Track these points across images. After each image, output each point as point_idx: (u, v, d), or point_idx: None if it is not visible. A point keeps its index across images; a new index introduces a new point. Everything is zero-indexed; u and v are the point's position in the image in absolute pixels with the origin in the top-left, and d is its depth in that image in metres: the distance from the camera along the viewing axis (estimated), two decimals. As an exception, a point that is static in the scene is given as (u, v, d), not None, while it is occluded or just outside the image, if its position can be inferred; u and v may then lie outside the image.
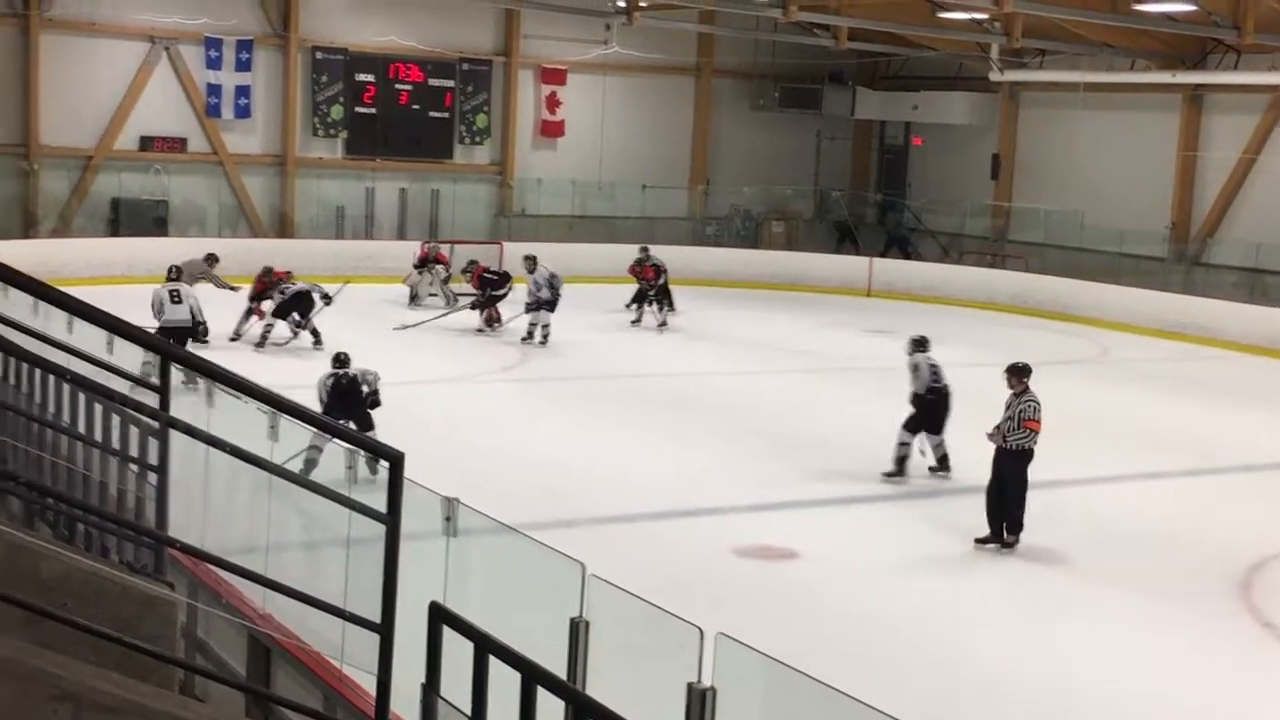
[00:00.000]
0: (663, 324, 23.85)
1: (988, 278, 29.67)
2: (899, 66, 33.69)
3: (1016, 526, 12.22)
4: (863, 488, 14.19)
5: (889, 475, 14.25)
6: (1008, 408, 12.36)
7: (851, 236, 33.71)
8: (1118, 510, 14.06)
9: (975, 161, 32.26)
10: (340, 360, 13.50)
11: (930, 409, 14.34)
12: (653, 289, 24.10)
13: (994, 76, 30.06)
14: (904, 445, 14.32)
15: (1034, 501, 12.44)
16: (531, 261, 21.99)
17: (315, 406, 12.85)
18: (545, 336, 21.46)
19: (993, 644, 10.24)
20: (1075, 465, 15.28)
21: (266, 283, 20.18)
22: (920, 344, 14.80)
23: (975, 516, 12.39)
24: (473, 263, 23.54)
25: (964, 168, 32.72)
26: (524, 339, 21.60)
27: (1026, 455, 12.27)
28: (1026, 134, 31.83)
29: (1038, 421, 12.24)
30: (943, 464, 14.45)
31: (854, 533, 12.99)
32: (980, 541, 12.19)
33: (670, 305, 24.50)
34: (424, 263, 25.35)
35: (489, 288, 22.52)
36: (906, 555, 12.22)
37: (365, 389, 13.30)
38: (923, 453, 14.39)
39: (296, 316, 19.92)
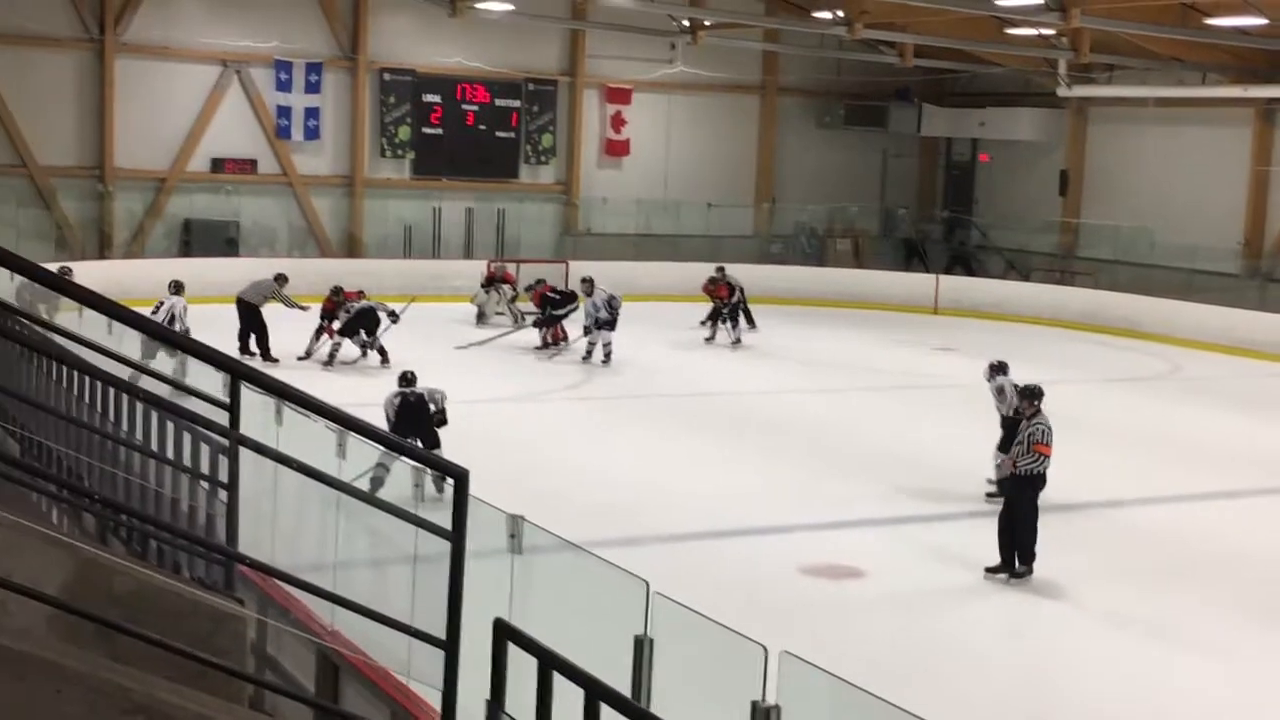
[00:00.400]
0: (736, 341, 23.87)
1: (1056, 295, 29.39)
2: (965, 83, 33.49)
3: (1028, 556, 11.75)
4: (932, 506, 14.10)
5: (991, 496, 13.99)
6: (1019, 432, 12.14)
7: (919, 254, 33.54)
8: (1190, 529, 13.87)
9: (1043, 178, 32.00)
10: (407, 379, 13.49)
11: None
12: (726, 307, 24.10)
13: (1062, 92, 29.82)
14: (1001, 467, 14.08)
15: (1104, 520, 12.32)
16: (589, 284, 22.03)
17: (382, 424, 12.96)
18: (607, 355, 21.49)
19: (1068, 667, 10.13)
20: (1146, 483, 15.11)
21: (336, 302, 20.38)
22: (1000, 368, 14.65)
23: (1048, 537, 12.24)
24: (539, 281, 23.66)
25: (1031, 184, 32.46)
26: (584, 358, 21.66)
27: (1038, 481, 11.89)
28: (1095, 150, 31.53)
29: (1048, 445, 11.85)
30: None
31: (922, 551, 12.89)
32: (990, 571, 11.78)
33: (750, 322, 24.84)
34: (490, 282, 25.52)
35: (550, 306, 22.61)
36: (977, 575, 12.09)
37: (432, 407, 13.30)
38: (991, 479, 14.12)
39: (364, 335, 20.09)
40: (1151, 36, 25.61)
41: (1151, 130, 29.34)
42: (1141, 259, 29.33)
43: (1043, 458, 11.88)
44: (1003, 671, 9.92)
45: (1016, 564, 11.79)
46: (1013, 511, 11.96)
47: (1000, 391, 14.39)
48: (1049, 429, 11.97)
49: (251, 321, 20.45)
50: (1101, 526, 13.76)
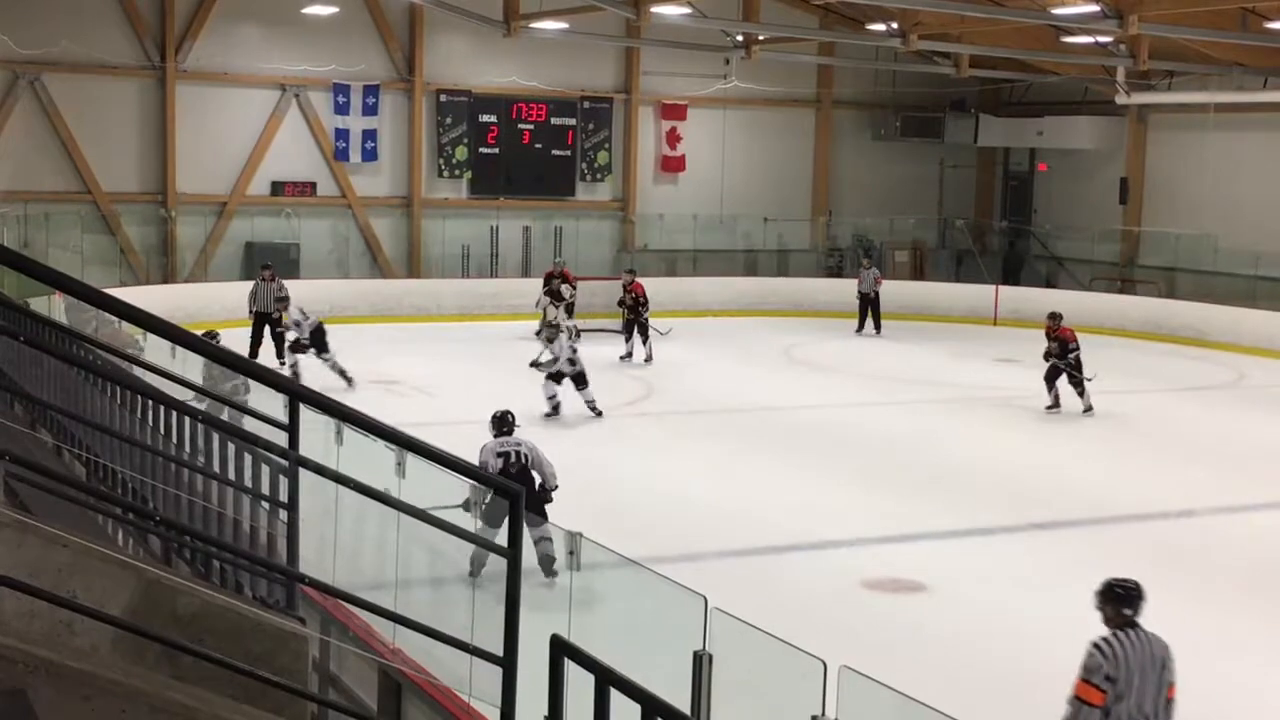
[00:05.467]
0: (648, 358, 23.32)
1: (1118, 304, 29.11)
2: (1022, 92, 33.29)
3: None
4: (994, 519, 13.97)
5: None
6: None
7: (978, 263, 33.37)
8: (1263, 539, 13.68)
9: (1102, 186, 31.71)
10: (505, 423, 11.82)
11: None
12: (644, 306, 23.59)
13: (1120, 99, 29.57)
14: None
15: (1172, 530, 12.16)
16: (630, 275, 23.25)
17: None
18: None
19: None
20: (1212, 492, 14.92)
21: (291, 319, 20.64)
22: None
23: (1118, 550, 12.12)
24: (630, 271, 24.48)
25: (1091, 193, 32.18)
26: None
27: None
28: (1155, 157, 31.21)
29: None
30: None
31: (984, 566, 12.78)
32: None
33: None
34: (549, 280, 25.65)
35: (642, 306, 23.22)
36: (1042, 590, 11.98)
37: (536, 479, 11.50)
38: None
39: (315, 353, 20.00)
40: (1211, 41, 25.33)
41: (1212, 136, 29.02)
42: (1204, 266, 29.00)
43: None
44: (1068, 686, 9.79)
45: None
46: None
47: None
48: None
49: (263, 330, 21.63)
50: (1173, 537, 13.60)
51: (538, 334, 25.86)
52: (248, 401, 8.85)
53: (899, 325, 28.37)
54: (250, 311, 22.14)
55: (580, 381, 18.50)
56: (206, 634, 4.54)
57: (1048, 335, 19.67)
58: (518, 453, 11.45)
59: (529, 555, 6.76)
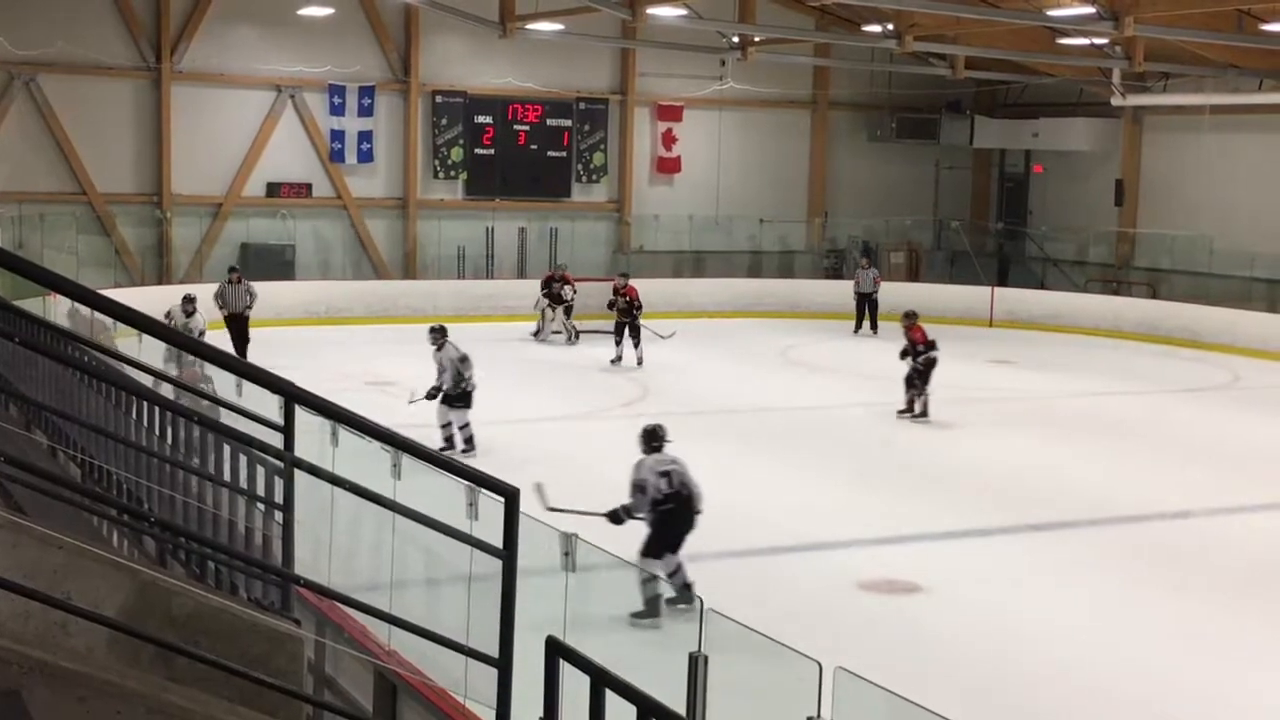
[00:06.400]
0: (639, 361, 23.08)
1: (1113, 305, 29.14)
2: (1018, 94, 33.30)
3: None
4: (991, 520, 13.97)
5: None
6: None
7: (974, 264, 33.38)
8: (1257, 540, 13.69)
9: (1098, 188, 31.72)
10: (657, 437, 10.87)
11: None
12: (637, 309, 23.32)
13: (1116, 101, 29.58)
14: None
15: (1168, 532, 12.17)
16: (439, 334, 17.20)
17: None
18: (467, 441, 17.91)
19: (1134, 679, 10.01)
20: (1209, 493, 14.93)
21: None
22: None
23: (1115, 550, 12.14)
24: (623, 275, 24.38)
25: (1086, 194, 32.20)
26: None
27: None
28: (1151, 158, 31.25)
29: None
30: None
31: (980, 567, 12.78)
32: None
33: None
34: (548, 283, 25.66)
35: (636, 310, 23.12)
36: (1039, 591, 11.99)
37: (693, 500, 10.73)
38: None
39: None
40: (1206, 43, 25.35)
41: (1208, 138, 29.04)
42: (1200, 268, 29.03)
43: None
44: (1065, 687, 9.81)
45: None
46: None
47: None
48: None
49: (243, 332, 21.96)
50: (1171, 538, 13.61)
51: (535, 334, 25.97)
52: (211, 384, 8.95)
53: (895, 326, 28.30)
54: (222, 315, 22.32)
55: (462, 402, 15.99)
56: (201, 635, 4.53)
57: (905, 335, 19.29)
58: (677, 473, 10.64)
59: (546, 557, 6.73)
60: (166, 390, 7.23)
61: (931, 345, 19.00)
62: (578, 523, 8.00)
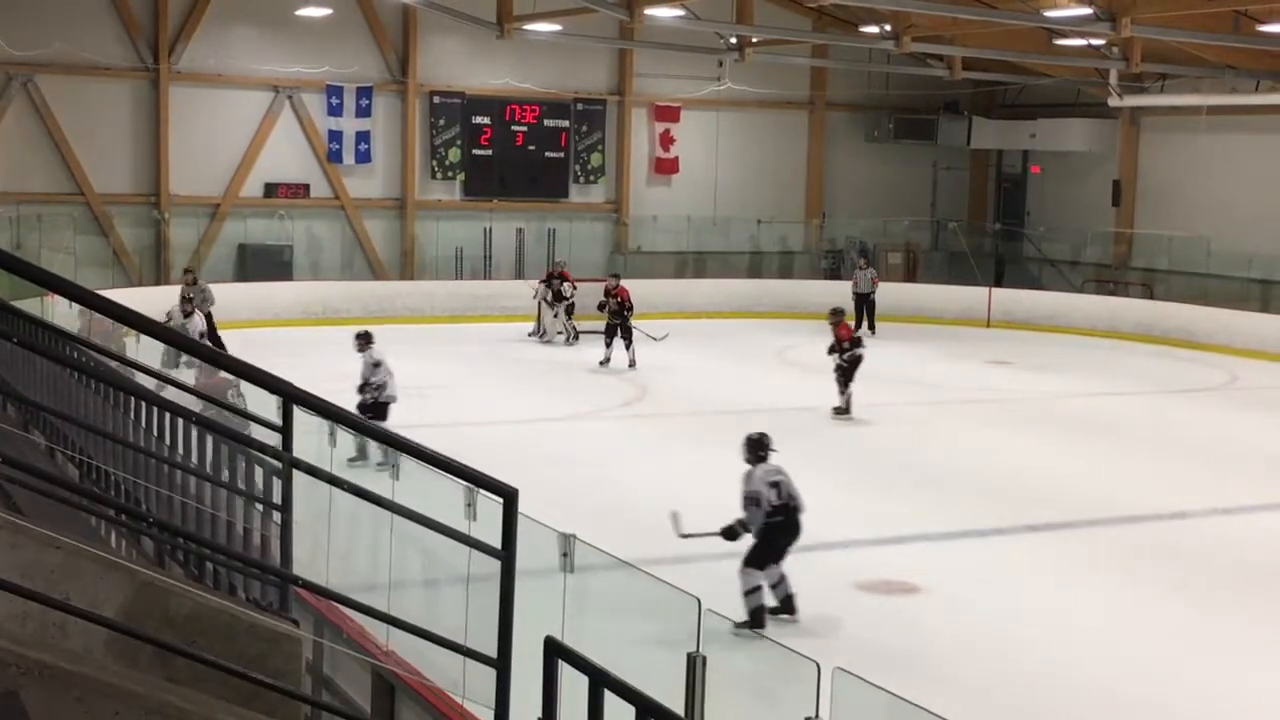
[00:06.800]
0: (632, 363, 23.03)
1: (1110, 306, 29.15)
2: (1015, 95, 33.32)
3: None
4: (989, 521, 13.97)
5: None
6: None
7: (971, 265, 33.40)
8: (1256, 540, 13.69)
9: (1095, 188, 31.74)
10: (763, 446, 10.84)
11: None
12: (629, 310, 23.37)
13: (1113, 102, 29.60)
14: None
15: (1167, 531, 12.16)
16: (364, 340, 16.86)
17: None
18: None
19: (1133, 678, 10.01)
20: (1208, 494, 14.93)
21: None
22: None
23: (1113, 551, 12.14)
24: (615, 275, 24.38)
25: (1084, 195, 32.21)
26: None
27: None
28: (1148, 159, 31.26)
29: None
30: None
31: (979, 567, 12.78)
32: None
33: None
34: (549, 280, 25.66)
35: (626, 311, 23.07)
36: (1035, 591, 11.99)
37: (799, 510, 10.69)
38: None
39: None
40: (1203, 44, 25.36)
41: (1205, 139, 29.06)
42: (1197, 268, 29.05)
43: None
44: (1065, 688, 9.81)
45: None
46: None
47: None
48: None
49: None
50: (1169, 538, 13.61)
51: (532, 334, 25.96)
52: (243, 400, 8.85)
53: (892, 327, 28.37)
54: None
55: (379, 414, 15.01)
56: (200, 636, 4.53)
57: (832, 332, 19.34)
58: (785, 484, 10.59)
59: (545, 558, 6.73)
60: (169, 393, 7.22)
61: (857, 342, 19.37)
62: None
